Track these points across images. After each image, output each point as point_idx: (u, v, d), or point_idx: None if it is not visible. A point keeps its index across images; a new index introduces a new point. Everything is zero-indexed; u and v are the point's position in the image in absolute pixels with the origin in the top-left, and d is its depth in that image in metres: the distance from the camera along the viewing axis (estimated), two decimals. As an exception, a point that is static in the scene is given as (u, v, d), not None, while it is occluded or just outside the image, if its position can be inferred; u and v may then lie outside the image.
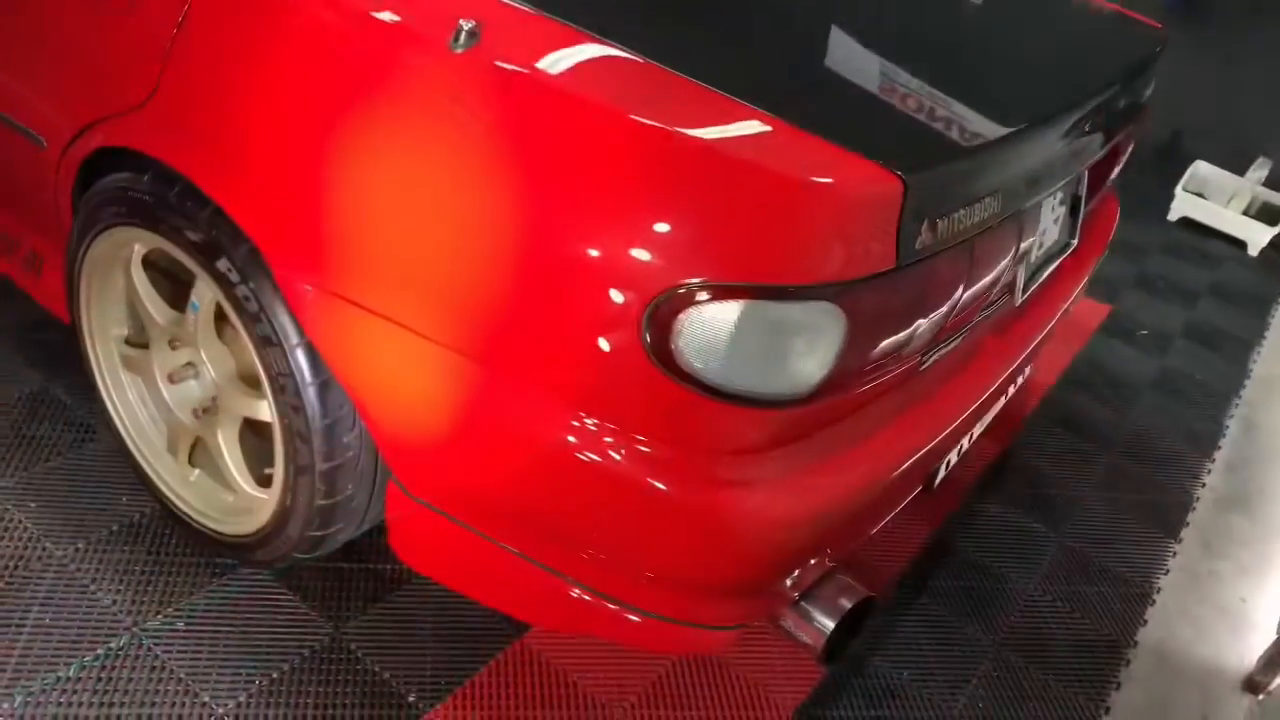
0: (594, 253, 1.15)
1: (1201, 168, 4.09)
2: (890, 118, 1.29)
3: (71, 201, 1.67)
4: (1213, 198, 4.04)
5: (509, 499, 1.38)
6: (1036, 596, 2.21)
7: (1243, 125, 3.91)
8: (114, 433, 1.86)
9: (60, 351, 2.17)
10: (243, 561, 1.81)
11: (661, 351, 1.17)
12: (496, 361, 1.28)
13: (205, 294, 1.55)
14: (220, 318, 1.61)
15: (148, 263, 1.68)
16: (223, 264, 1.44)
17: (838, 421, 1.32)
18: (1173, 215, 4.07)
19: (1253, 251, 3.98)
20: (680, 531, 1.28)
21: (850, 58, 1.44)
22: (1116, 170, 1.92)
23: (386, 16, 1.23)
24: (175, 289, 1.72)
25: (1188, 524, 2.53)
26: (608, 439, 1.26)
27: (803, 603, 1.46)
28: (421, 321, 1.30)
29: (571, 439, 1.27)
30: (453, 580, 1.59)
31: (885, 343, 1.24)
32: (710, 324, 1.13)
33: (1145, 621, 2.22)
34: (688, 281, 1.12)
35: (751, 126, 1.16)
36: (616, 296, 1.16)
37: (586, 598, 1.43)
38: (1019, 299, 1.62)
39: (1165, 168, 4.17)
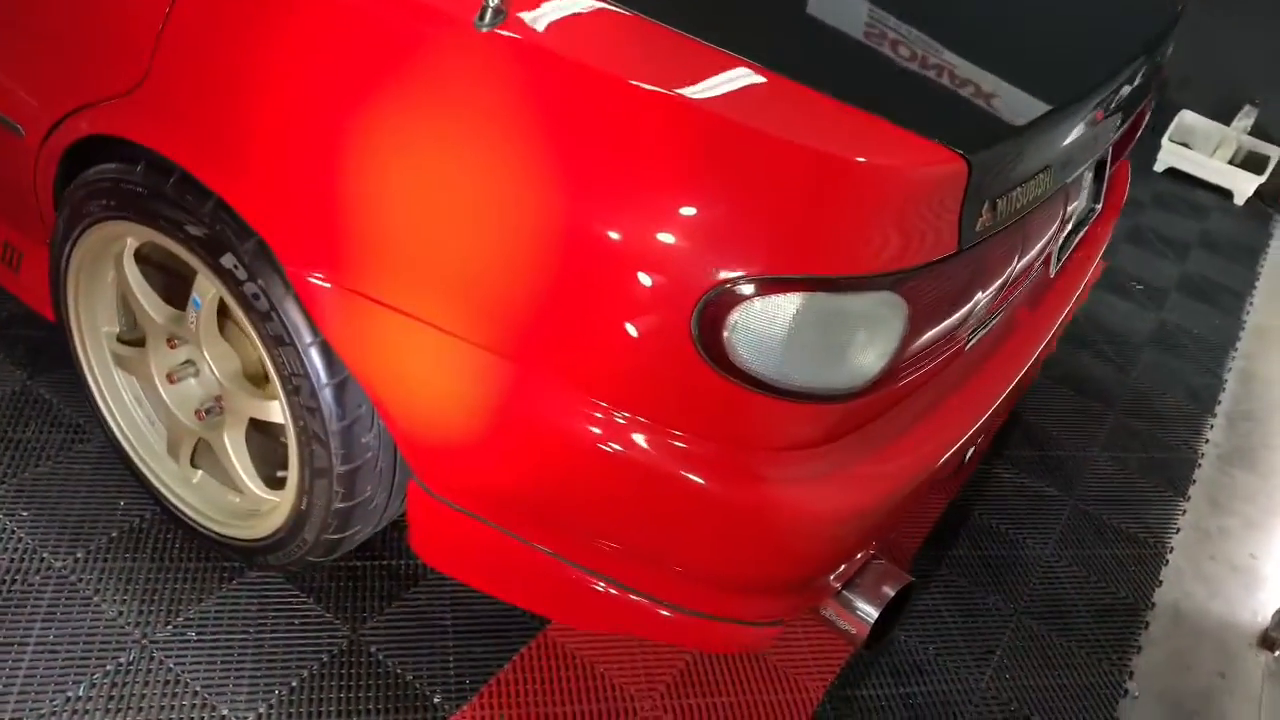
0: (638, 245, 1.08)
1: (1187, 117, 4.07)
2: (938, 93, 1.22)
3: (53, 193, 1.57)
4: (1198, 147, 4.03)
5: (542, 498, 1.32)
6: (1053, 562, 2.20)
7: (1228, 73, 3.88)
8: (109, 435, 1.77)
9: (42, 348, 2.06)
10: (252, 565, 1.74)
11: (713, 347, 1.10)
12: (528, 358, 1.21)
13: (208, 290, 1.46)
14: (222, 313, 1.53)
15: (140, 256, 1.58)
16: (228, 260, 1.35)
17: (888, 409, 1.28)
18: (1159, 166, 4.05)
19: (1239, 201, 3.97)
20: (731, 531, 1.23)
21: (883, 30, 1.36)
22: (1139, 134, 1.88)
23: (405, -7, 1.14)
24: (169, 282, 1.62)
25: (1194, 481, 2.54)
26: (651, 437, 1.20)
27: (845, 592, 1.42)
28: (448, 318, 1.23)
29: (613, 438, 1.21)
30: (479, 580, 1.53)
31: (941, 328, 1.19)
32: (766, 319, 1.07)
33: (1160, 582, 2.22)
34: (741, 275, 1.06)
35: (805, 105, 1.09)
36: (664, 291, 1.09)
37: (624, 596, 1.38)
38: (1054, 270, 1.58)
39: (1151, 118, 4.14)
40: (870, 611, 1.41)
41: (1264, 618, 2.18)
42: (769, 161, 1.05)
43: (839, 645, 1.88)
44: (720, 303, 1.07)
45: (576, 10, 1.14)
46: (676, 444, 1.20)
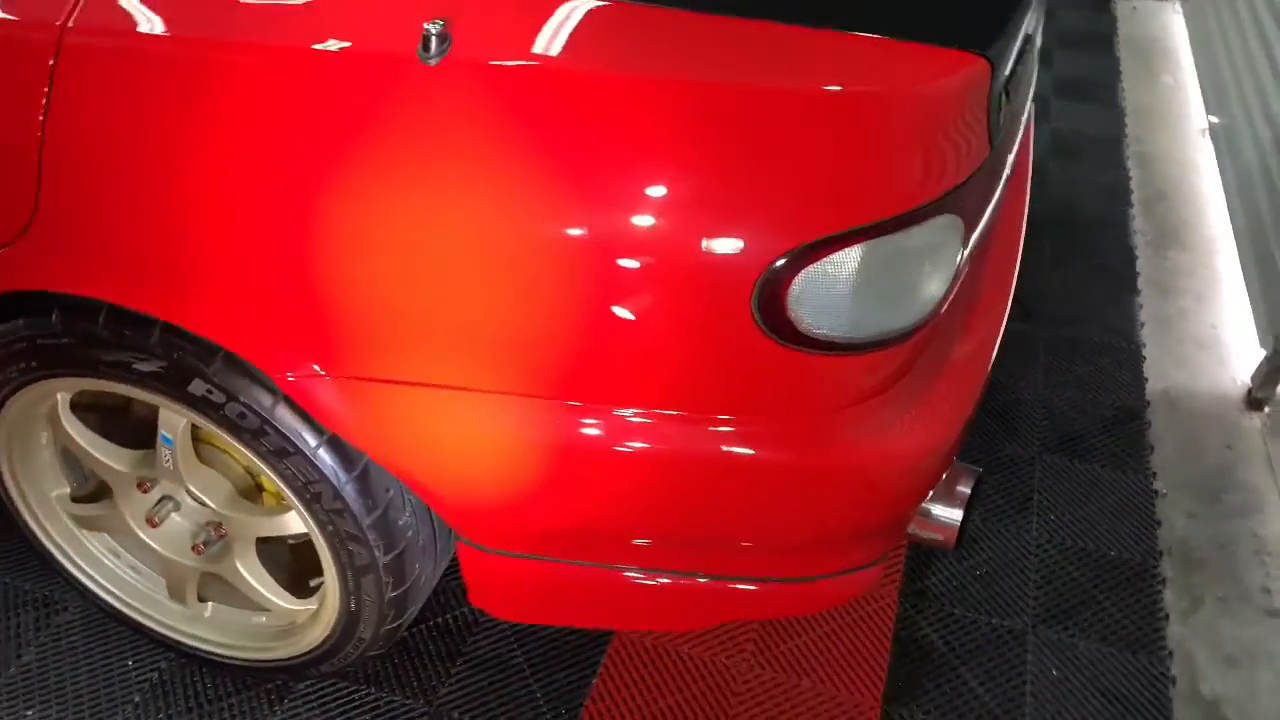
0: (676, 243, 0.99)
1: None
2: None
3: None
4: (1020, -53, 4.07)
5: (616, 521, 1.24)
6: (1049, 395, 2.25)
7: None
8: (92, 599, 1.59)
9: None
10: (301, 679, 1.61)
11: (778, 323, 1.03)
12: (570, 390, 1.12)
13: (177, 422, 1.29)
14: (195, 438, 1.36)
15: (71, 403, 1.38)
16: (197, 386, 1.19)
17: (940, 324, 1.23)
18: (990, -25, 4.08)
19: (1074, -10, 4.06)
20: (828, 497, 1.18)
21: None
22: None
23: (333, 46, 0.98)
24: (105, 421, 1.44)
25: (1139, 273, 2.62)
26: (724, 430, 1.13)
27: (923, 503, 1.40)
28: (479, 377, 1.11)
29: (682, 443, 1.13)
30: (556, 617, 1.45)
31: (979, 232, 1.14)
32: (830, 280, 1.00)
33: (1146, 379, 2.30)
34: (795, 243, 0.98)
35: (801, 46, 0.99)
36: (716, 282, 1.00)
37: (721, 586, 1.32)
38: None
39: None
40: (954, 515, 1.39)
41: (1243, 381, 2.29)
42: (793, 118, 0.96)
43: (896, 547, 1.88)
44: (778, 278, 0.99)
45: (526, 10, 1.01)
46: (751, 430, 1.13)
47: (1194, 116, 3.27)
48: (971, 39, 1.01)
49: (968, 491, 1.40)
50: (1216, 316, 2.50)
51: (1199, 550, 1.92)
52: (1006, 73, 1.07)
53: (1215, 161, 2.98)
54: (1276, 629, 1.75)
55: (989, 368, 1.29)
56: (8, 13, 1.06)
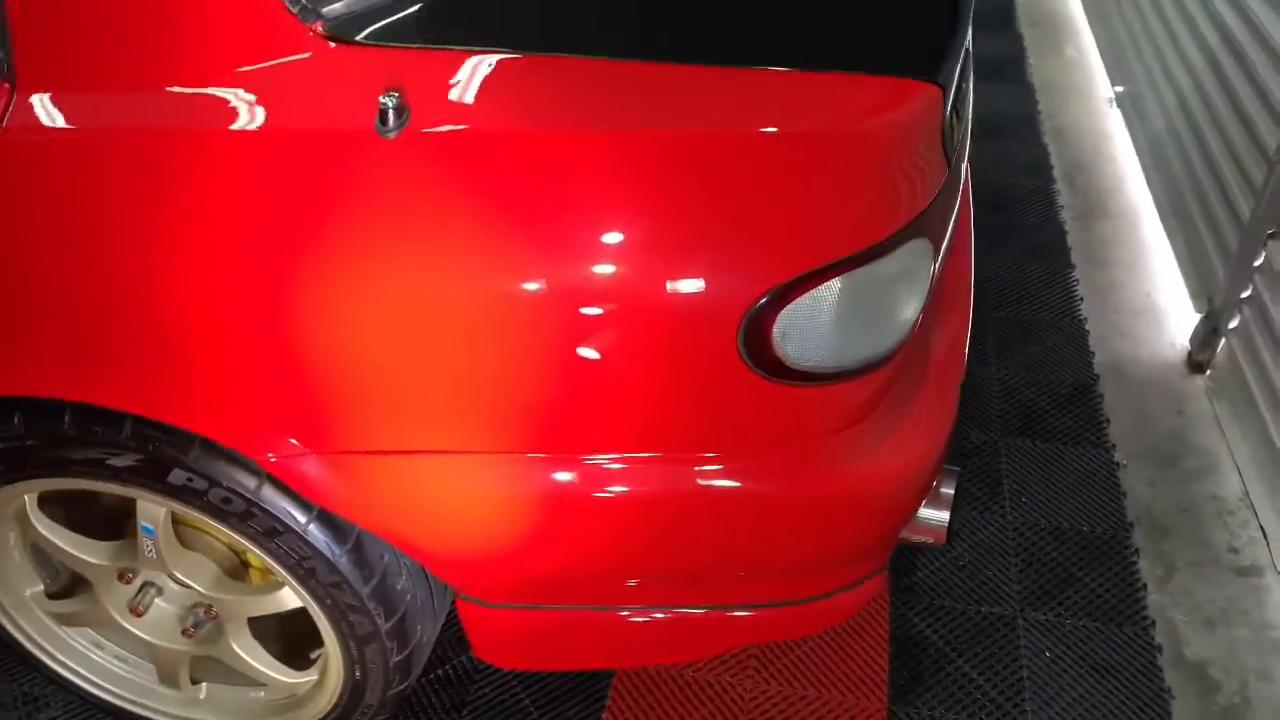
0: (659, 296, 0.99)
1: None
2: (845, 28, 1.15)
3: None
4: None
5: (622, 568, 1.25)
6: (1003, 377, 2.31)
7: None
8: (79, 694, 1.54)
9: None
10: (304, 750, 1.58)
11: (764, 360, 1.04)
12: (569, 445, 1.12)
13: (156, 513, 1.25)
14: (174, 521, 1.33)
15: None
16: (177, 476, 1.16)
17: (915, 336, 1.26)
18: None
19: (974, -28, 4.16)
20: (830, 521, 1.20)
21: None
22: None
23: (272, 124, 0.96)
24: (72, 512, 1.39)
25: (1071, 248, 2.70)
26: (716, 469, 1.14)
27: (912, 509, 1.43)
28: (469, 440, 1.11)
29: (682, 483, 1.15)
30: (562, 663, 1.46)
31: (944, 247, 1.17)
32: (811, 314, 1.01)
33: (1093, 353, 2.38)
34: (775, 282, 0.99)
35: (765, 90, 1.00)
36: (700, 327, 1.01)
37: (722, 615, 1.34)
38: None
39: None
40: (942, 517, 1.42)
41: (1182, 345, 2.38)
42: (761, 159, 0.97)
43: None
44: (762, 316, 1.00)
45: (480, 76, 1.00)
46: (741, 465, 1.15)
47: (1101, 86, 3.39)
48: (921, 66, 1.03)
49: (951, 492, 1.44)
50: (1149, 283, 2.59)
51: (1165, 517, 1.99)
52: (953, 92, 1.10)
53: (1126, 129, 3.08)
54: (1247, 587, 1.83)
55: (963, 368, 1.33)
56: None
